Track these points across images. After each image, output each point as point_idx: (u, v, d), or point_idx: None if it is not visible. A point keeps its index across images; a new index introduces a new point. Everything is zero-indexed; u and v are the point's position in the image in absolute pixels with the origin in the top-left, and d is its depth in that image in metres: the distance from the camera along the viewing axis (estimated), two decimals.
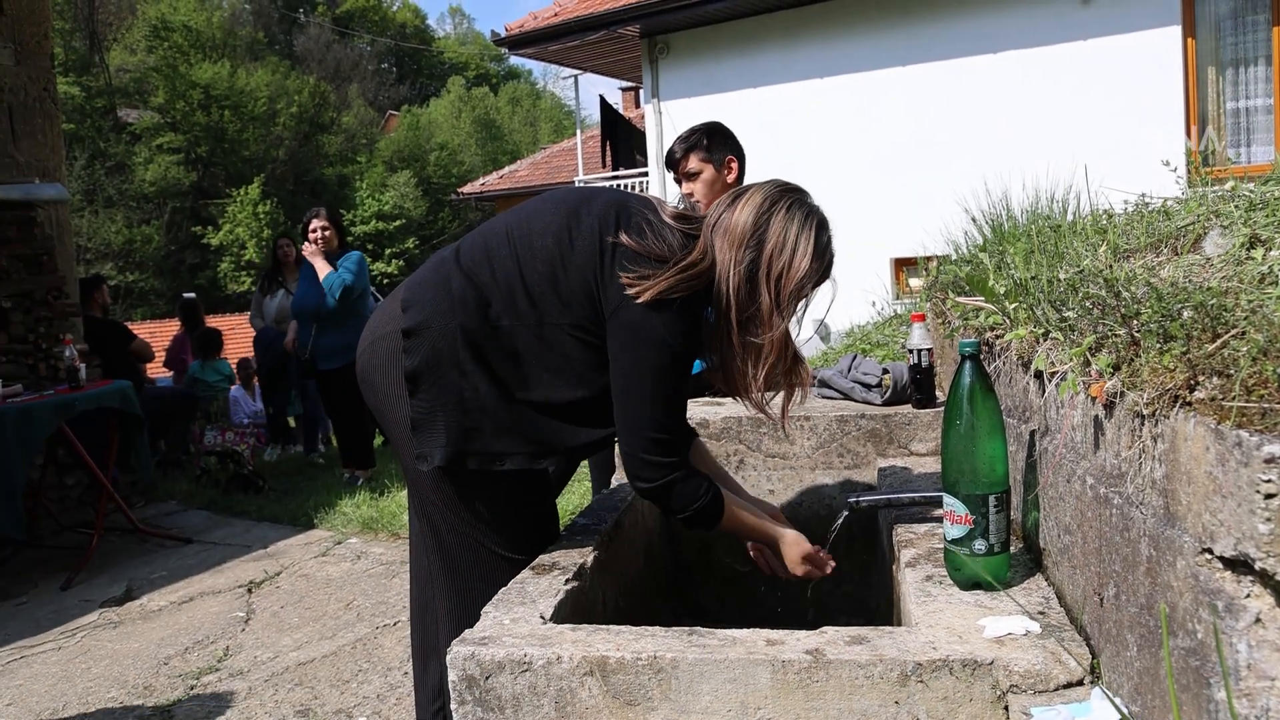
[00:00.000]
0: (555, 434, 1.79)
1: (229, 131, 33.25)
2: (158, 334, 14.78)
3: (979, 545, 1.51)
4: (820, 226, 1.76)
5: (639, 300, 1.66)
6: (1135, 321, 1.20)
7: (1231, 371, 0.96)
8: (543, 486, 1.94)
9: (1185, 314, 1.12)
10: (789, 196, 1.76)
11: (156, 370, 9.40)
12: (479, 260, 1.79)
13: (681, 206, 1.83)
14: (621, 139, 14.41)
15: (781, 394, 1.86)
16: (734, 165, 3.20)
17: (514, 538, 1.86)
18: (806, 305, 1.82)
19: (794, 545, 1.94)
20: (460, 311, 1.75)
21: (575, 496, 4.60)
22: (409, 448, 1.80)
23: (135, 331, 7.55)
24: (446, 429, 1.75)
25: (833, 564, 1.97)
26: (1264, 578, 0.88)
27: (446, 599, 1.89)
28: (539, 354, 1.75)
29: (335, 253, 5.96)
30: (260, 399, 8.52)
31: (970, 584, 1.54)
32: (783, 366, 1.76)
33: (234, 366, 9.28)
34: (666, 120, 9.86)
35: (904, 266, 8.25)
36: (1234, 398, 0.92)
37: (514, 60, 50.38)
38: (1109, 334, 1.25)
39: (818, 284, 1.77)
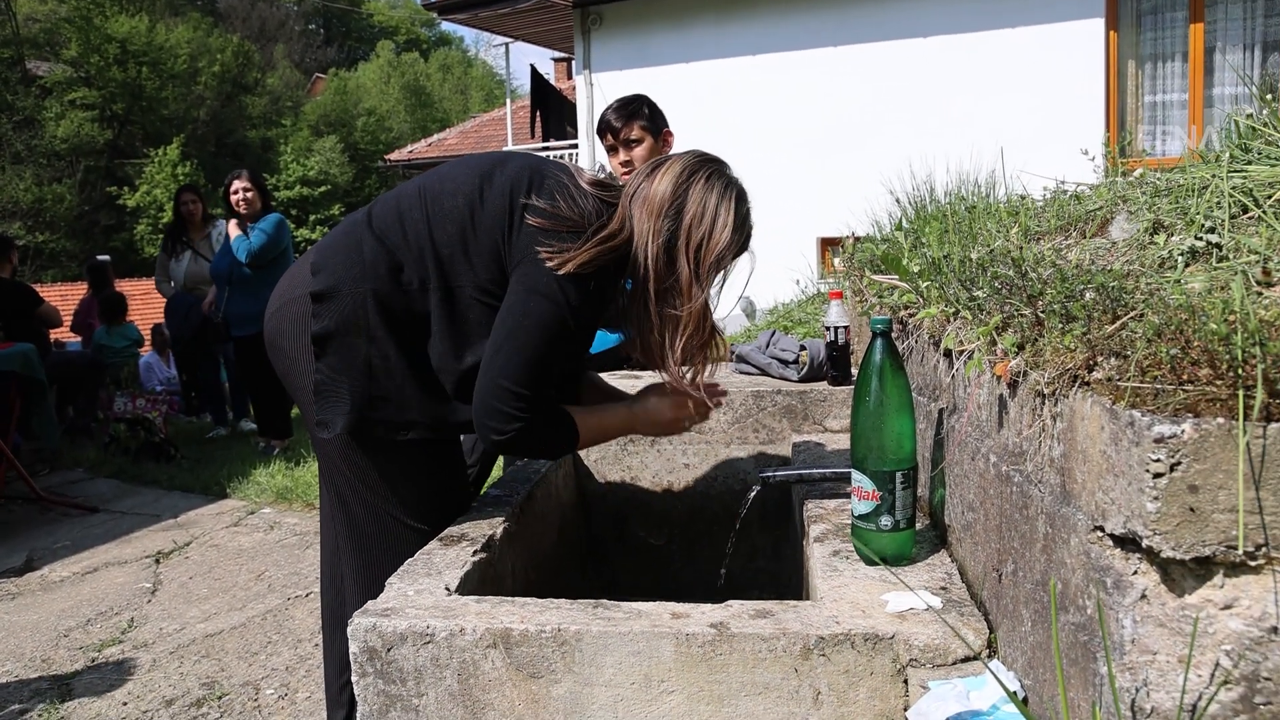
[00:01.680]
0: (458, 401, 1.76)
1: (147, 89, 32.05)
2: (69, 297, 14.28)
3: (885, 521, 1.53)
4: (740, 198, 1.74)
5: (559, 271, 1.63)
6: (1040, 302, 1.21)
7: (1128, 352, 0.97)
8: (453, 456, 1.90)
9: (1087, 295, 1.13)
10: (709, 166, 1.74)
11: (64, 334, 9.07)
12: (391, 222, 1.75)
13: (602, 175, 1.80)
14: (552, 110, 14.26)
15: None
16: (670, 140, 3.19)
17: (422, 508, 1.83)
18: (725, 278, 1.80)
19: (655, 403, 1.90)
20: (372, 276, 1.71)
21: (495, 470, 4.56)
22: (311, 413, 1.76)
23: (44, 295, 7.28)
24: (351, 396, 1.72)
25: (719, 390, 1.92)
26: (1150, 555, 0.90)
27: (353, 570, 1.86)
28: (447, 318, 1.71)
29: (258, 216, 5.81)
30: (175, 365, 8.27)
31: (876, 559, 1.55)
32: (699, 339, 1.74)
33: (148, 332, 8.99)
34: (598, 92, 9.77)
35: (830, 246, 8.33)
36: (1129, 378, 0.94)
37: (445, 26, 49.49)
38: (1015, 314, 1.26)
39: (737, 255, 1.76)
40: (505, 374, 1.65)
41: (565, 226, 1.66)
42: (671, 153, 1.81)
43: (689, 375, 1.84)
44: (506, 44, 14.21)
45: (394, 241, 1.73)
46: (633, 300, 1.74)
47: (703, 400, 1.89)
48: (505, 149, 14.81)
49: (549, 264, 1.63)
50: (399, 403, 1.73)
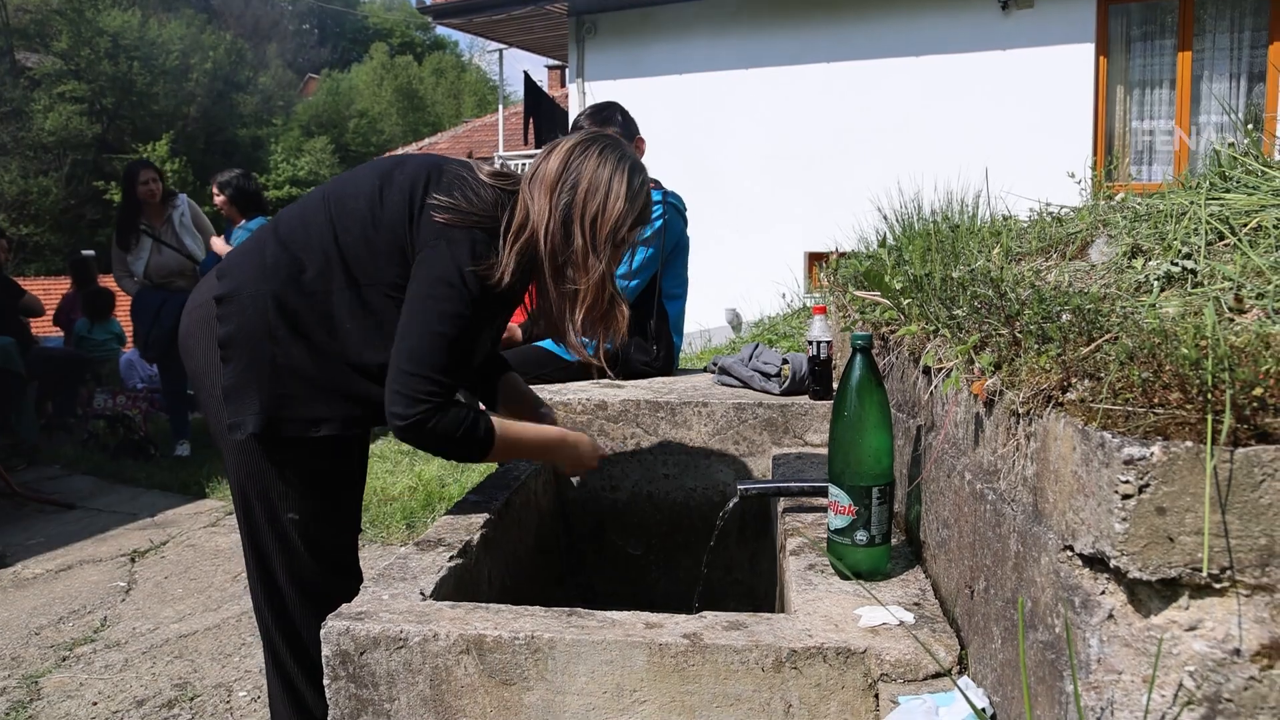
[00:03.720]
0: (368, 395, 1.76)
1: (137, 84, 31.91)
2: (51, 291, 14.17)
3: (861, 536, 1.54)
4: (633, 170, 1.78)
5: (497, 289, 1.68)
6: (1017, 322, 1.22)
7: (1102, 374, 0.98)
8: (354, 467, 1.92)
9: (1064, 317, 1.14)
10: (601, 141, 1.79)
11: (46, 329, 9.01)
12: (295, 227, 1.79)
13: (500, 166, 1.83)
14: (544, 117, 14.24)
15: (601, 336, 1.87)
16: (642, 147, 3.20)
17: (319, 517, 1.84)
18: (631, 252, 1.83)
19: (583, 441, 2.00)
20: (273, 278, 1.74)
21: (475, 474, 4.55)
22: (221, 417, 1.77)
23: (27, 288, 7.24)
24: (259, 396, 1.74)
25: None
26: (1118, 575, 0.91)
27: (255, 572, 1.86)
28: (354, 316, 1.74)
29: (245, 216, 5.81)
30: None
31: (850, 574, 1.56)
32: (598, 311, 1.78)
33: (130, 329, 8.94)
34: (590, 100, 9.80)
35: (817, 261, 8.37)
36: (1102, 400, 0.95)
37: (440, 30, 49.54)
38: (993, 333, 1.27)
39: (634, 226, 1.79)
40: (411, 359, 1.66)
41: (470, 221, 1.70)
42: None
43: (590, 346, 1.88)
44: (501, 50, 14.23)
45: (298, 245, 1.76)
46: (535, 277, 1.79)
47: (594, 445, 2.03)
48: (498, 155, 14.80)
49: (487, 281, 1.67)
50: (306, 399, 1.75)
